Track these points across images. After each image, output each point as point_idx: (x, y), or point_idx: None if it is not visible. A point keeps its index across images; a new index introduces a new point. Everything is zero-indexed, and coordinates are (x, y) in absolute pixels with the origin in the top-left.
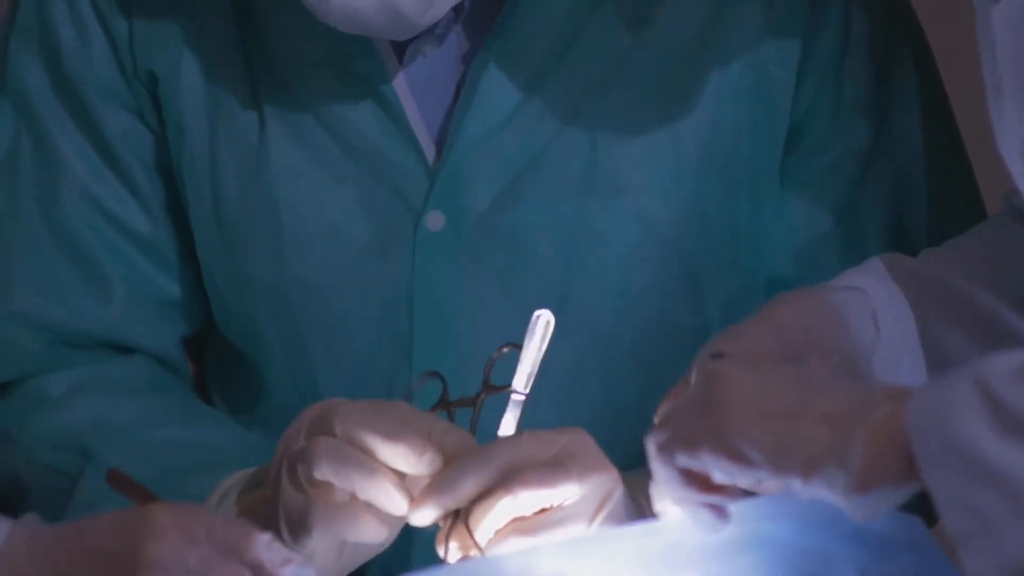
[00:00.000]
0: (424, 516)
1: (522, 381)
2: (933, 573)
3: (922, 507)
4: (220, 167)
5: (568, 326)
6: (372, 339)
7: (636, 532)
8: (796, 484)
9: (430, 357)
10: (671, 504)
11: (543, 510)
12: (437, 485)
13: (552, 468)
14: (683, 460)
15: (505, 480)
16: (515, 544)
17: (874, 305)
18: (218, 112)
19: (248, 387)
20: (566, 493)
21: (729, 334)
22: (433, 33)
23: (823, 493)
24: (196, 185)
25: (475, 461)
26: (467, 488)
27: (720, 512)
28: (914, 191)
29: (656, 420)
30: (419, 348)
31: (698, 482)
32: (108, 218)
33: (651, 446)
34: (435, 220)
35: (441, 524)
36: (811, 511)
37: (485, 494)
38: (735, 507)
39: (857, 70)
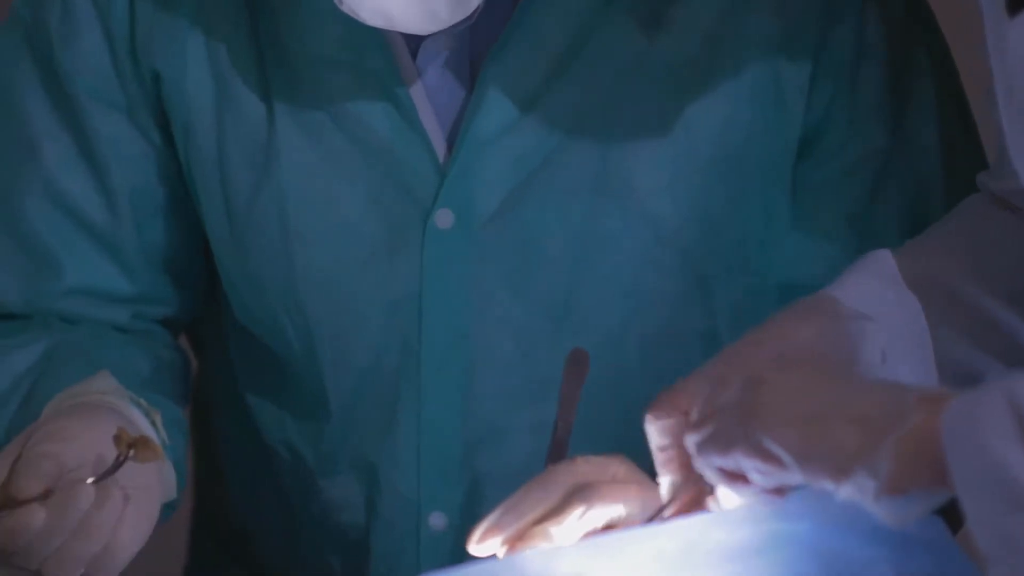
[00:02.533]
0: (491, 547)
1: (568, 415)
2: (952, 573)
3: (943, 508)
4: (229, 165)
5: (576, 328)
6: (380, 337)
7: (655, 533)
8: (829, 487)
9: (438, 356)
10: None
11: (608, 527)
12: (502, 516)
13: (618, 485)
14: (719, 461)
15: (576, 495)
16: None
17: (884, 340)
18: (226, 109)
19: (273, 372)
20: (632, 508)
21: (733, 356)
22: (449, 30)
23: (854, 496)
24: (206, 184)
25: (540, 485)
26: (536, 511)
27: (781, 492)
28: (931, 196)
29: (656, 411)
30: (427, 346)
31: (739, 480)
32: (67, 211)
33: (690, 446)
34: (444, 218)
35: None
36: (830, 511)
37: (556, 510)
38: (754, 507)
39: (873, 74)
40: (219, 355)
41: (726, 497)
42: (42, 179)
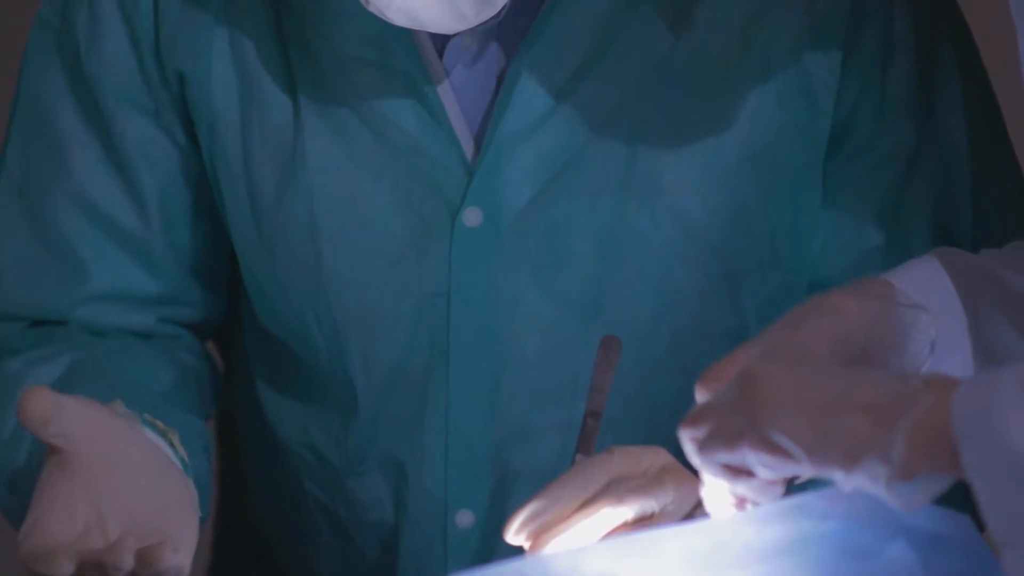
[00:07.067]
0: (527, 537)
1: (599, 403)
2: (983, 573)
3: (972, 506)
4: (255, 164)
5: (604, 325)
6: (408, 335)
7: (684, 531)
8: (837, 476)
9: (466, 354)
10: (722, 505)
11: (640, 521)
12: (539, 506)
13: (652, 479)
14: (724, 456)
15: (610, 489)
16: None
17: (934, 332)
18: (252, 108)
19: (294, 373)
20: (664, 502)
21: (783, 330)
22: (475, 29)
23: (865, 485)
24: (231, 184)
25: (577, 477)
26: (571, 503)
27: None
28: (959, 191)
29: (709, 383)
30: (456, 345)
31: (742, 475)
32: (96, 216)
33: (688, 443)
34: (473, 216)
35: None
36: (859, 510)
37: (588, 503)
38: (782, 506)
39: (901, 69)
40: (240, 358)
41: (711, 497)
42: (71, 186)
